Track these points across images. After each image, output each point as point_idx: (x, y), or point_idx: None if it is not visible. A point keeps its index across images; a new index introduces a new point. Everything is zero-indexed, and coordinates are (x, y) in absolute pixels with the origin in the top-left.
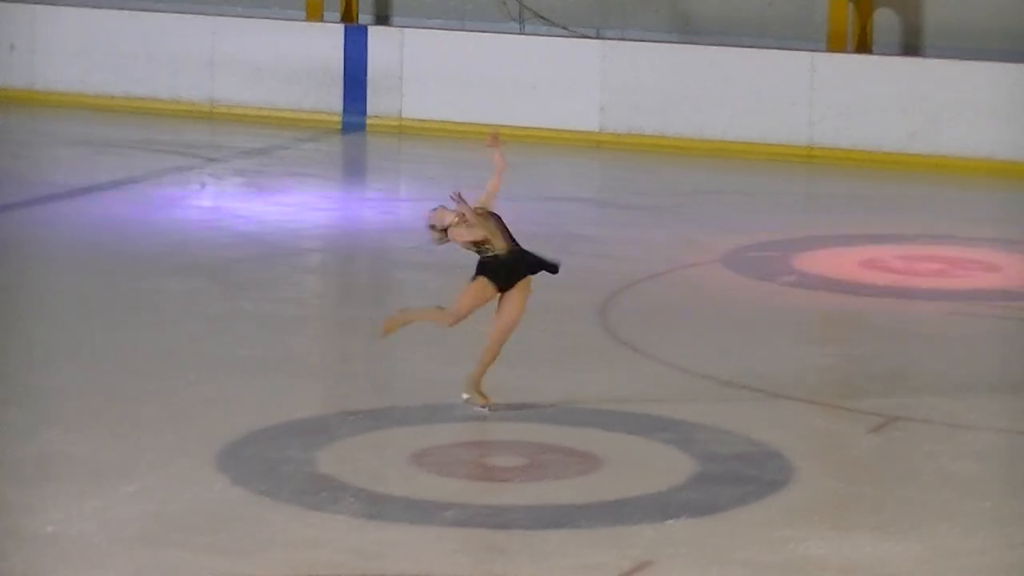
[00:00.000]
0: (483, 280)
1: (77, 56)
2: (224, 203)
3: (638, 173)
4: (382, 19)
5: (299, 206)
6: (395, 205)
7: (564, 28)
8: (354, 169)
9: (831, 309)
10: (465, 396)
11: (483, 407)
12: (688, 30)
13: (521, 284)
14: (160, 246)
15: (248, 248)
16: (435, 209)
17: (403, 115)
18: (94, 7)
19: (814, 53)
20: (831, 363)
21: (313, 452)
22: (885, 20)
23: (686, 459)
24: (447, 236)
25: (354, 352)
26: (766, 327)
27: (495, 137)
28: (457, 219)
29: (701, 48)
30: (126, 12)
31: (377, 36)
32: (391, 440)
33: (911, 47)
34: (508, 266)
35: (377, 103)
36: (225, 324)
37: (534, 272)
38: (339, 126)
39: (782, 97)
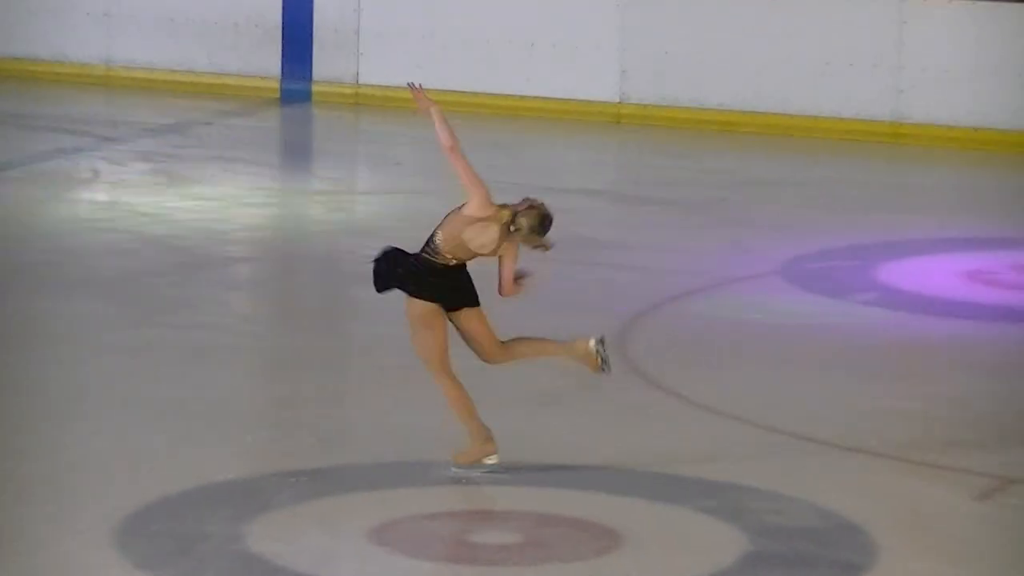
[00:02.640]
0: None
1: None
2: (125, 197)
3: (669, 157)
4: None
5: (224, 201)
6: (350, 200)
7: None
8: (297, 152)
9: (924, 336)
10: (491, 461)
11: (489, 464)
12: None
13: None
14: (41, 255)
15: (157, 257)
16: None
17: (360, 81)
18: None
19: (902, 0)
20: (925, 407)
21: (243, 525)
22: None
23: (734, 534)
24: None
25: (297, 395)
26: (839, 360)
27: (418, 90)
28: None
29: None
30: None
31: None
32: (345, 510)
33: None
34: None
35: (327, 66)
36: (127, 357)
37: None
38: (277, 95)
39: (860, 58)
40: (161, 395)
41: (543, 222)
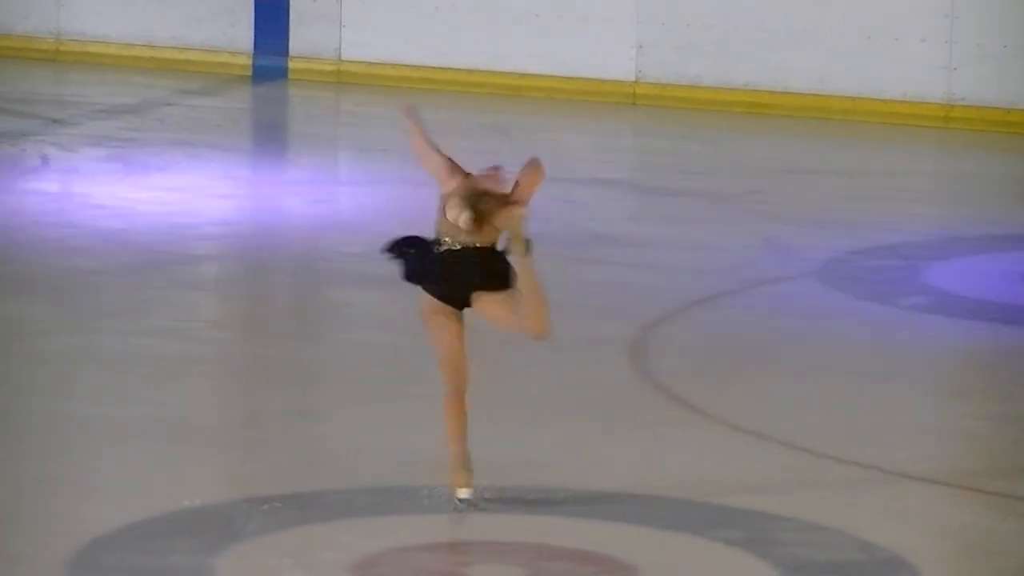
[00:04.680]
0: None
1: None
2: (75, 187)
3: (691, 143)
4: None
5: (187, 192)
6: (331, 190)
7: None
8: (270, 136)
9: (980, 346)
10: (463, 495)
11: (462, 500)
12: None
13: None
14: None
15: (111, 255)
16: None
17: (343, 56)
18: None
19: None
20: (979, 427)
21: (208, 558)
22: None
23: (762, 569)
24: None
25: (269, 410)
26: (882, 372)
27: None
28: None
29: None
30: None
31: None
32: (323, 540)
33: None
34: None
35: (305, 39)
36: (77, 368)
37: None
38: (248, 72)
39: (907, 31)
40: (113, 411)
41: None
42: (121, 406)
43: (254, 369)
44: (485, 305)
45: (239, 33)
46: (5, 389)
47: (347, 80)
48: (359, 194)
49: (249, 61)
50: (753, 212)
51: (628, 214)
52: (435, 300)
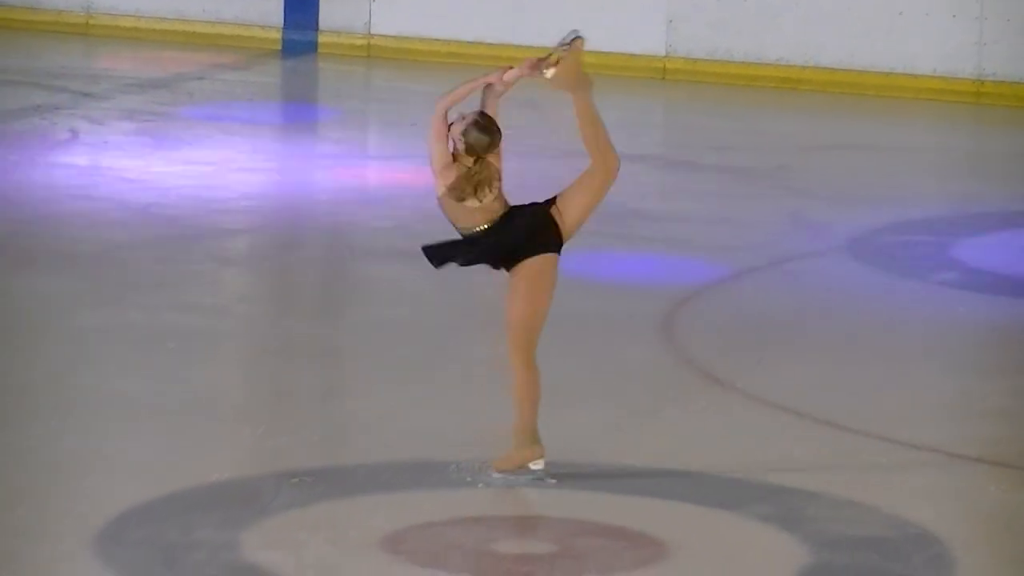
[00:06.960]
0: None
1: None
2: (106, 161)
3: (722, 118)
4: None
5: (217, 166)
6: (360, 164)
7: None
8: (300, 110)
9: (1010, 321)
10: (535, 465)
11: (535, 469)
12: None
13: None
14: (9, 224)
15: (140, 229)
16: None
17: (373, 31)
18: None
19: None
20: (1011, 404)
21: (236, 532)
22: None
23: (793, 545)
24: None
25: (298, 385)
26: (913, 348)
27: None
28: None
29: None
30: None
31: None
32: (352, 515)
33: None
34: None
35: (334, 13)
36: (106, 343)
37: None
38: (278, 46)
39: (937, 7)
40: (142, 386)
41: (477, 128)
42: (149, 381)
43: (283, 344)
44: (571, 200)
45: (270, 8)
46: (33, 364)
47: (377, 54)
48: (389, 169)
49: (279, 35)
50: (783, 188)
51: (658, 189)
52: (551, 256)
